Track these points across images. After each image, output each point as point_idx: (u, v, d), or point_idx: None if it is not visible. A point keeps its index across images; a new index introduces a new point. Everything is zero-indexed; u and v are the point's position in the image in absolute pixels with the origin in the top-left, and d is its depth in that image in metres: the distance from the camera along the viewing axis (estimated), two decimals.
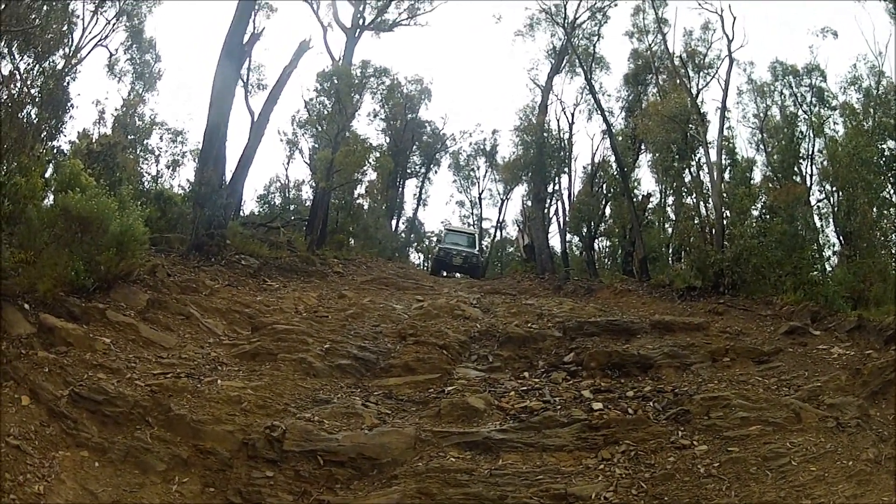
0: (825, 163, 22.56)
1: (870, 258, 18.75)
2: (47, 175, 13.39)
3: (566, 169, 31.03)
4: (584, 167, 33.37)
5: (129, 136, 25.32)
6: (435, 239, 37.51)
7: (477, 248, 31.99)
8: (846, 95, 25.17)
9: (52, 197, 12.92)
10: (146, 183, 24.55)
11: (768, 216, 20.23)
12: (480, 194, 40.23)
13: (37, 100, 11.79)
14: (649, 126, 23.44)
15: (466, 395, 11.32)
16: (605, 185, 31.18)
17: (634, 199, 27.36)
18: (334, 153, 22.15)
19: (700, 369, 12.77)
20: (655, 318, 15.51)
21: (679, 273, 23.12)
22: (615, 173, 28.98)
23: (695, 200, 22.00)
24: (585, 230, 29.81)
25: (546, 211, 30.32)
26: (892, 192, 20.10)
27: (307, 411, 10.65)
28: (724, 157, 22.08)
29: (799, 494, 8.44)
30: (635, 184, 28.79)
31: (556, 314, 16.58)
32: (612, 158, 29.40)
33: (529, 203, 32.48)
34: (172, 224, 16.78)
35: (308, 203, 29.58)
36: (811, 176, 23.59)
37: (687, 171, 23.06)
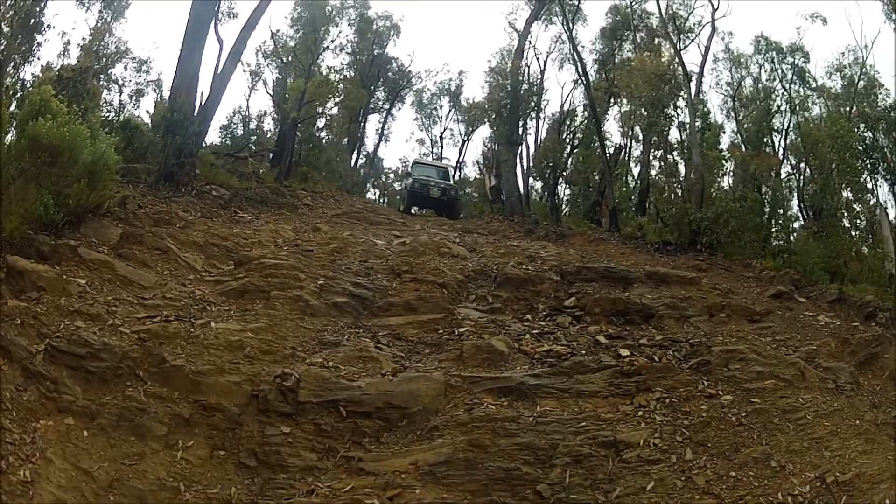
0: (798, 139, 21.87)
1: (840, 236, 18.52)
2: (12, 109, 11.17)
3: (537, 115, 29.58)
4: (553, 114, 31.52)
5: (96, 65, 22.50)
6: (403, 173, 34.48)
7: (453, 183, 28.29)
8: (832, 81, 24.75)
9: (13, 132, 10.77)
10: (109, 113, 21.96)
11: (745, 182, 19.57)
12: (442, 133, 38.08)
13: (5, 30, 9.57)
14: (635, 81, 22.03)
15: (487, 338, 9.80)
16: (571, 134, 29.87)
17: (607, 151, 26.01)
18: (307, 83, 19.99)
19: (699, 322, 11.89)
20: (650, 269, 14.32)
21: (642, 225, 22.37)
22: (589, 123, 27.70)
23: (674, 158, 20.98)
24: (550, 176, 28.42)
25: (517, 154, 28.47)
26: (868, 178, 19.78)
27: (316, 355, 8.98)
28: (697, 120, 21.12)
29: (819, 446, 8.51)
30: (607, 136, 27.44)
31: (545, 258, 15.08)
32: (581, 108, 28.54)
33: (496, 146, 30.80)
34: (139, 154, 14.61)
35: (270, 135, 27.40)
36: (784, 149, 22.79)
37: (668, 129, 22.14)
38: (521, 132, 28.32)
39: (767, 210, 18.72)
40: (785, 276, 14.98)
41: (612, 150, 26.98)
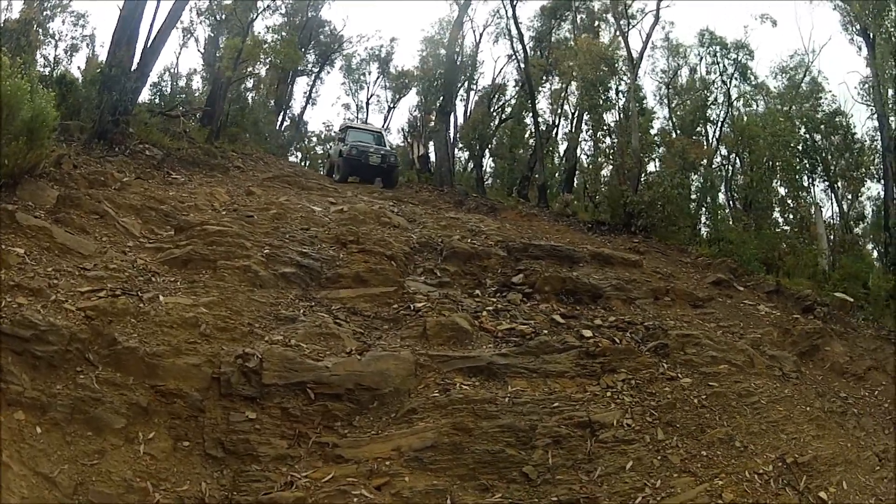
0: (732, 132, 21.93)
1: (772, 230, 18.86)
2: None
3: (469, 87, 28.83)
4: (484, 88, 30.70)
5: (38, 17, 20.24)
6: (328, 137, 32.39)
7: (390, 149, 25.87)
8: (777, 81, 24.90)
9: None
10: (44, 67, 19.82)
11: (683, 170, 19.53)
12: (368, 99, 36.59)
13: None
14: (579, 62, 21.48)
15: (448, 315, 9.26)
16: (500, 108, 29.24)
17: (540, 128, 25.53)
18: (244, 42, 18.52)
19: (644, 305, 11.77)
20: (594, 250, 14.06)
21: (568, 203, 22.12)
22: (520, 98, 27.15)
23: (612, 140, 20.66)
24: (477, 148, 27.82)
25: (448, 125, 27.54)
26: (806, 177, 20.10)
27: (275, 332, 8.20)
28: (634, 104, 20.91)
29: (776, 429, 8.77)
30: (541, 114, 26.91)
31: (486, 232, 14.57)
32: (512, 83, 27.98)
33: (424, 114, 29.89)
34: (72, 111, 13.10)
35: (198, 94, 25.60)
36: (717, 139, 22.83)
37: (608, 112, 21.79)
38: (454, 102, 27.51)
39: (697, 197, 18.80)
40: (722, 265, 15.02)
41: (543, 128, 26.60)
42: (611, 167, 20.84)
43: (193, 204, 13.18)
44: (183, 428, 6.48)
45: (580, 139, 25.42)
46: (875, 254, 20.34)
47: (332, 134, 30.70)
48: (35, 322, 6.40)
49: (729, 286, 13.91)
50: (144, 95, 24.57)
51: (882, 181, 18.16)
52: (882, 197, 18.26)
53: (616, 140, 20.47)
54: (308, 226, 13.06)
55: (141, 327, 7.29)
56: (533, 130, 25.40)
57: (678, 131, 21.99)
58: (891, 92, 18.54)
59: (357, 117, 35.06)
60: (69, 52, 24.60)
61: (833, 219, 21.73)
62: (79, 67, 22.54)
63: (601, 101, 21.21)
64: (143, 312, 7.58)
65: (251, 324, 8.21)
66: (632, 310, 11.35)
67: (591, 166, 25.64)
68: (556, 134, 28.43)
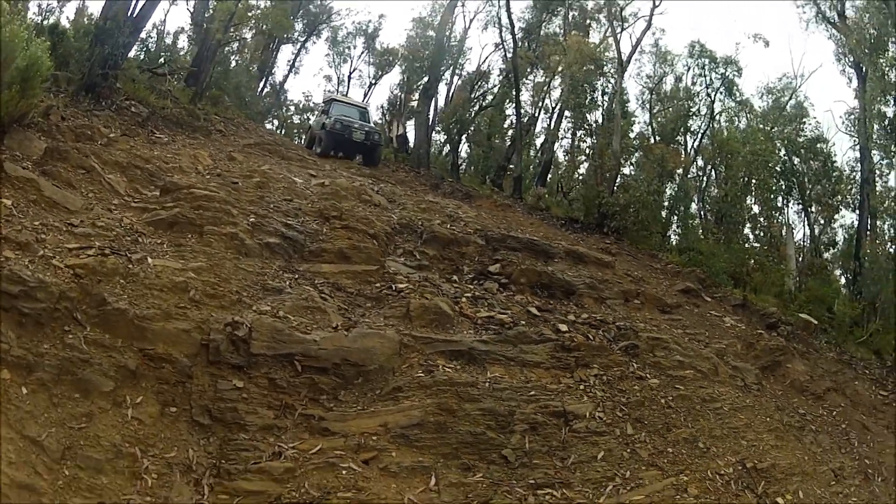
0: (710, 145, 21.90)
1: (742, 245, 19.10)
2: None
3: (453, 71, 28.42)
4: (468, 73, 30.29)
5: None
6: (305, 107, 31.27)
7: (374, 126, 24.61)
8: (763, 101, 24.78)
9: None
10: (37, 16, 18.88)
11: (661, 177, 19.58)
12: (351, 73, 35.90)
13: None
14: (568, 59, 21.24)
15: (430, 298, 9.25)
16: (482, 96, 29.04)
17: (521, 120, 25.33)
18: (237, 4, 18.03)
19: (615, 305, 11.95)
20: (569, 247, 14.16)
21: (541, 196, 22.19)
22: (503, 88, 26.91)
23: (594, 140, 20.58)
24: (455, 133, 27.59)
25: (430, 107, 27.13)
26: (782, 198, 20.24)
27: (262, 302, 8.12)
28: (618, 107, 20.87)
29: (737, 435, 9.02)
30: (522, 105, 26.60)
31: (464, 219, 14.53)
32: (496, 72, 27.70)
33: (406, 93, 29.50)
34: (61, 61, 12.58)
35: (183, 53, 24.84)
36: (696, 150, 22.83)
37: (591, 112, 21.69)
38: (438, 85, 27.20)
39: (669, 205, 18.91)
40: (691, 274, 15.24)
41: (525, 119, 26.50)
42: (587, 166, 20.82)
43: (178, 165, 12.89)
44: (171, 393, 6.38)
45: (559, 135, 25.43)
46: (843, 280, 20.73)
47: (314, 105, 29.52)
48: (24, 278, 6.17)
49: (697, 296, 14.18)
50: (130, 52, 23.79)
51: (857, 211, 18.49)
52: (856, 227, 18.49)
53: (597, 140, 20.49)
54: (291, 197, 12.90)
55: (130, 289, 7.13)
56: (514, 121, 25.24)
57: (657, 137, 22.06)
58: (875, 126, 18.63)
59: (338, 90, 34.44)
60: (61, 2, 23.55)
61: (804, 241, 22.08)
62: (68, 18, 21.64)
63: (586, 101, 21.18)
64: (133, 274, 7.42)
65: (239, 292, 8.12)
66: (603, 309, 11.51)
67: (568, 163, 25.64)
68: (535, 127, 28.33)
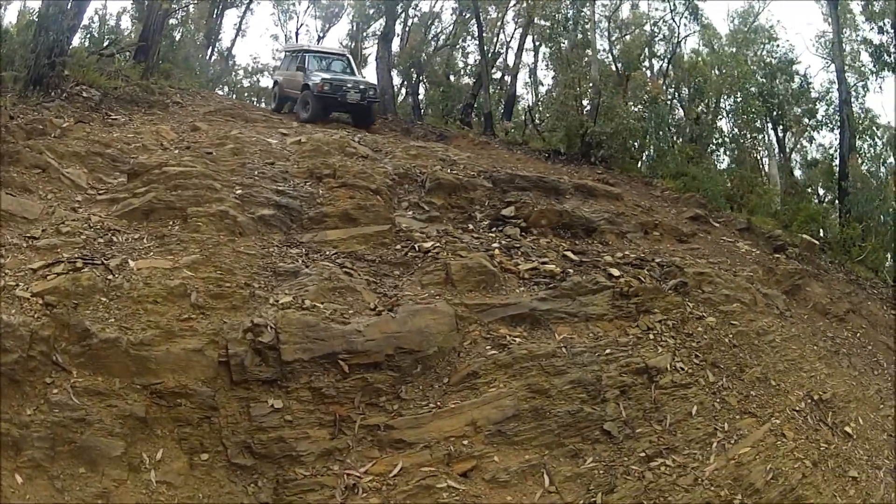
0: (676, 70, 20.05)
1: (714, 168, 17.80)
2: None
3: (406, 12, 25.72)
4: (420, 13, 27.62)
5: None
6: (279, 66, 25.09)
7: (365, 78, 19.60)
8: (731, 25, 22.60)
9: None
10: None
11: (645, 103, 17.81)
12: (298, 29, 32.76)
13: None
14: None
15: (468, 255, 7.46)
16: (436, 36, 26.41)
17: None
18: None
19: (636, 239, 10.35)
20: (577, 181, 12.28)
21: (508, 131, 20.29)
22: (456, 26, 24.42)
23: (574, 71, 18.43)
24: (414, 75, 25.18)
25: (390, 51, 24.46)
26: (762, 119, 18.95)
27: (280, 291, 6.30)
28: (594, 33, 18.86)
29: (796, 367, 8.32)
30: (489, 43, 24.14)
31: (459, 162, 12.59)
32: (449, 11, 25.06)
33: (358, 42, 26.81)
34: (7, 61, 10.39)
35: (128, 33, 21.87)
36: (665, 76, 20.83)
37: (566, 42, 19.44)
38: (395, 28, 24.54)
39: (648, 131, 17.30)
40: (691, 200, 13.70)
41: (488, 56, 24.20)
42: (563, 96, 18.87)
43: (141, 144, 10.68)
44: (196, 436, 4.65)
45: (519, 66, 23.34)
46: (822, 200, 19.77)
47: (278, 57, 23.39)
48: None
49: (706, 222, 12.74)
50: (75, 40, 20.81)
51: (839, 131, 17.31)
52: (838, 147, 17.54)
53: (573, 69, 18.49)
54: (272, 160, 10.82)
55: (117, 308, 5.28)
56: (478, 57, 22.99)
57: (619, 65, 20.14)
58: (847, 48, 17.76)
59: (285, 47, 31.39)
60: (2, 6, 20.14)
61: (780, 162, 20.91)
62: (10, 23, 18.52)
63: (562, 32, 19.05)
64: (115, 286, 5.54)
65: (249, 284, 6.26)
66: (624, 243, 9.94)
67: (547, 95, 23.59)
68: (499, 60, 26.09)
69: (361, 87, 16.79)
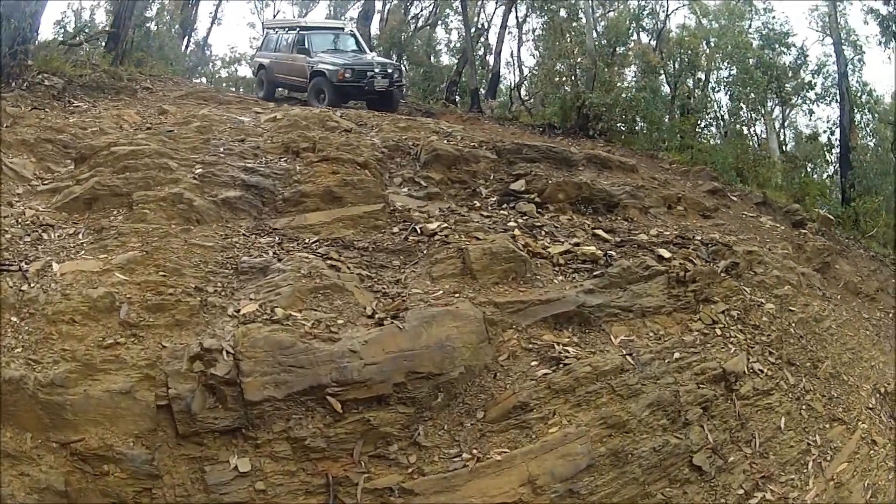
0: (663, 44, 18.42)
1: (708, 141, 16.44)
2: None
3: None
4: None
5: None
6: (267, 44, 18.79)
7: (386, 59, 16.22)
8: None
9: None
10: None
11: (646, 74, 16.15)
12: (276, 15, 30.53)
13: None
14: None
15: (486, 237, 5.69)
16: (416, 17, 24.42)
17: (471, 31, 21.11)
18: None
19: (659, 214, 8.72)
20: (588, 152, 10.52)
21: (493, 108, 18.55)
22: (440, 5, 22.53)
23: (570, 41, 16.64)
24: (394, 54, 23.28)
25: (370, 30, 22.45)
26: (771, 95, 17.31)
27: (243, 296, 4.50)
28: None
29: (857, 357, 7.28)
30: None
31: (455, 134, 10.78)
32: None
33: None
34: None
35: (101, 24, 19.78)
36: (660, 52, 19.19)
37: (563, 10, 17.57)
38: (375, 6, 22.51)
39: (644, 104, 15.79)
40: (702, 173, 12.16)
41: (472, 32, 22.27)
42: (558, 67, 17.15)
43: (98, 128, 8.76)
44: None
45: (502, 44, 21.41)
46: (824, 174, 18.66)
47: (265, 34, 17.91)
48: None
49: (724, 196, 11.16)
50: (47, 33, 18.53)
51: (839, 103, 15.86)
52: (839, 120, 16.11)
53: (570, 40, 16.71)
54: (242, 136, 8.91)
55: (27, 331, 3.58)
56: (462, 34, 21.05)
57: (604, 40, 18.41)
58: (842, 21, 16.29)
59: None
60: None
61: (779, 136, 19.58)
62: None
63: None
64: (29, 301, 3.81)
65: (201, 288, 4.45)
66: (648, 219, 8.31)
67: (535, 68, 21.74)
68: (479, 40, 24.31)
69: (389, 70, 13.66)
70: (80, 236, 5.23)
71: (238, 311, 4.29)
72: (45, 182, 6.46)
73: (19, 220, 5.38)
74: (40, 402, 3.23)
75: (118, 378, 3.40)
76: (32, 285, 4.10)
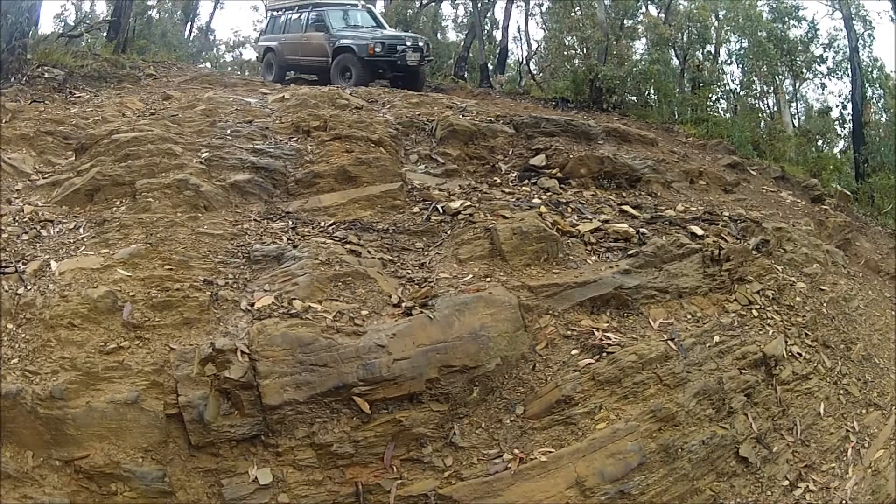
0: (671, 17, 17.74)
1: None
2: None
3: None
4: None
5: None
6: (273, 24, 17.26)
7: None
8: None
9: None
10: None
11: (658, 46, 15.48)
12: None
13: None
14: None
15: (514, 216, 5.25)
16: None
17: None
18: None
19: (682, 189, 8.32)
20: (607, 125, 9.99)
21: (502, 83, 17.84)
22: None
23: (580, 13, 15.96)
24: (401, 30, 22.79)
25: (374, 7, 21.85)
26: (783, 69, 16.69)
27: (256, 287, 4.11)
28: None
29: (885, 338, 6.91)
30: None
31: (470, 109, 10.23)
32: None
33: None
34: None
35: (102, 15, 19.29)
36: (669, 24, 18.49)
37: None
38: None
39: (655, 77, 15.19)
40: (719, 146, 11.71)
41: (480, 6, 21.48)
42: (569, 40, 16.52)
43: (100, 117, 8.32)
44: None
45: (509, 18, 20.71)
46: (835, 149, 18.04)
47: (269, 17, 15.09)
48: None
49: (743, 170, 10.68)
50: (48, 27, 18.05)
51: (850, 78, 15.25)
52: (850, 94, 15.50)
53: (581, 13, 16.07)
54: (250, 118, 8.44)
55: (24, 338, 3.24)
56: (469, 9, 20.34)
57: (612, 13, 17.68)
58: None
59: (266, 16, 28.11)
60: None
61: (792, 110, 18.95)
62: None
63: None
64: (26, 304, 3.45)
65: (211, 280, 4.06)
66: (671, 194, 7.86)
67: (545, 40, 21.04)
68: (487, 15, 23.62)
69: (420, 44, 12.72)
70: (81, 231, 4.85)
71: (252, 304, 3.91)
72: (45, 176, 6.08)
73: (17, 217, 5.00)
74: (40, 417, 2.89)
75: (123, 387, 3.04)
76: (29, 287, 3.74)
